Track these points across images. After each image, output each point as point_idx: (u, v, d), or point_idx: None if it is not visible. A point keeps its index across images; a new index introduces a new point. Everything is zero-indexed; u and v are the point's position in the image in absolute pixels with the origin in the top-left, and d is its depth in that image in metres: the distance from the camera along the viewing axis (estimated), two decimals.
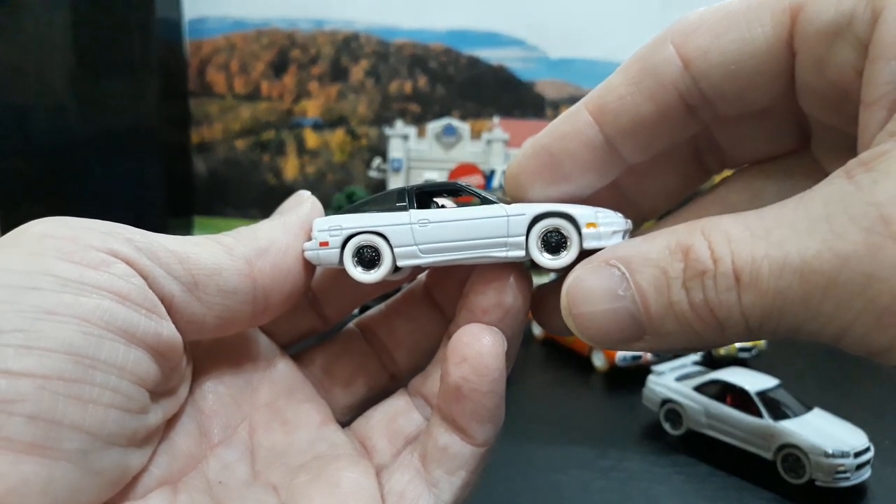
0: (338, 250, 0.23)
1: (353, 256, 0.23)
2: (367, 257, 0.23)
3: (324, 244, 0.23)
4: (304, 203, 0.25)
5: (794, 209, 0.17)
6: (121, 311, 0.19)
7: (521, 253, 0.22)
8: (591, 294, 0.20)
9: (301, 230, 0.24)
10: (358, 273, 0.23)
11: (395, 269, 0.23)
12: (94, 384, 0.18)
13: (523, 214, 0.22)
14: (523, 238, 0.22)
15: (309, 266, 0.24)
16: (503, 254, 0.22)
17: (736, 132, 0.24)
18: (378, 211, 0.23)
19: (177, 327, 0.21)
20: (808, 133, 0.23)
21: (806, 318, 0.17)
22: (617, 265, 0.19)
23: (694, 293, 0.18)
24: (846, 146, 0.20)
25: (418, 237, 0.23)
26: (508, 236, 0.22)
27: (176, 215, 0.94)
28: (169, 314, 0.20)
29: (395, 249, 0.23)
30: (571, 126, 0.22)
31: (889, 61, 0.17)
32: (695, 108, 0.21)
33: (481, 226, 0.22)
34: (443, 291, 0.27)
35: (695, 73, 0.20)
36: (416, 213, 0.23)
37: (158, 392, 0.21)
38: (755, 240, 0.17)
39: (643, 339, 0.19)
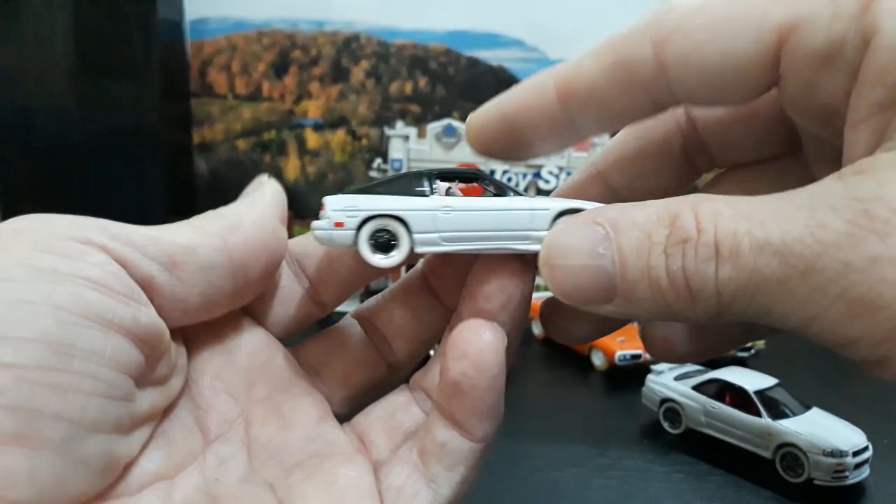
0: (353, 232, 0.22)
1: (370, 240, 0.22)
2: (383, 242, 0.22)
3: (339, 225, 0.22)
4: (264, 185, 0.26)
5: (780, 198, 0.18)
6: (97, 298, 0.19)
7: None
8: (571, 248, 0.19)
9: (269, 208, 0.24)
10: (375, 258, 0.22)
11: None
12: (73, 372, 0.18)
13: (548, 210, 0.22)
14: (546, 233, 0.22)
15: (281, 239, 0.24)
16: (524, 247, 0.22)
17: (723, 136, 0.25)
18: (395, 193, 0.23)
19: (160, 311, 0.21)
20: (797, 137, 0.24)
21: (779, 300, 0.17)
22: (603, 224, 0.19)
23: (672, 260, 0.18)
24: (836, 154, 0.20)
25: (440, 224, 0.22)
26: (531, 230, 0.22)
27: (177, 215, 0.94)
28: (151, 298, 0.21)
29: (415, 235, 0.22)
30: (537, 99, 0.22)
31: (876, 86, 0.17)
32: (664, 106, 0.21)
33: (505, 218, 0.22)
34: (440, 280, 0.27)
35: (671, 78, 0.20)
36: (439, 200, 0.22)
37: (145, 380, 0.21)
38: (739, 217, 0.17)
39: (612, 302, 0.19)
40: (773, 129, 0.24)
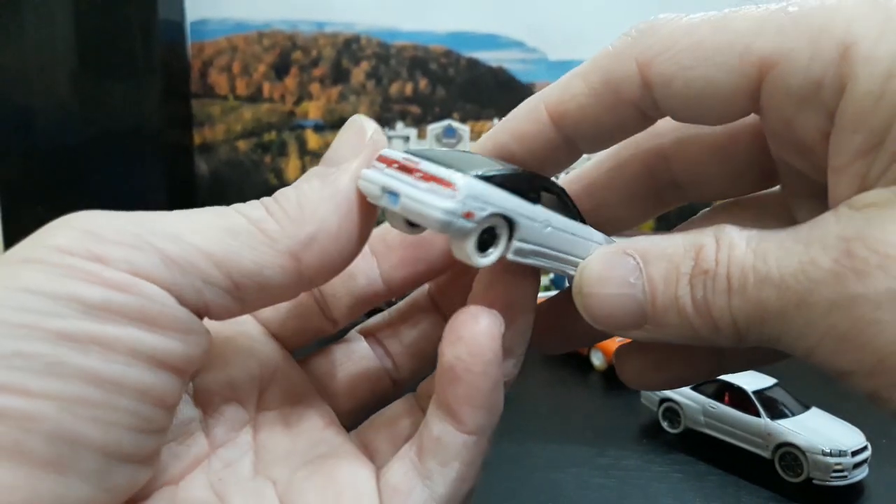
0: (475, 226, 0.19)
1: (479, 237, 0.20)
2: (481, 240, 0.20)
3: (468, 215, 0.19)
4: (363, 151, 0.22)
5: (787, 231, 0.19)
6: (148, 337, 0.18)
7: None
8: (604, 277, 0.21)
9: (356, 194, 0.21)
10: (478, 256, 0.20)
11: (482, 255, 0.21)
12: (117, 408, 0.18)
13: (601, 244, 0.23)
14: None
15: (363, 233, 0.21)
16: (573, 272, 0.22)
17: (697, 175, 0.25)
18: (512, 192, 0.20)
19: (210, 317, 0.21)
20: (770, 173, 0.24)
21: (782, 331, 0.18)
22: (633, 255, 0.20)
23: (696, 290, 0.19)
24: (813, 189, 0.21)
25: (536, 237, 0.21)
26: (584, 258, 0.22)
27: None
28: (204, 315, 0.20)
29: (515, 243, 0.21)
30: (531, 127, 0.22)
31: (855, 133, 0.18)
32: (654, 119, 0.22)
33: (577, 244, 0.22)
34: (447, 299, 0.27)
35: (657, 96, 0.20)
36: (542, 213, 0.21)
37: (177, 402, 0.21)
38: (748, 251, 0.19)
39: (643, 328, 0.20)
40: (746, 168, 0.25)
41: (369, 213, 0.22)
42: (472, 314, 0.21)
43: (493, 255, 0.21)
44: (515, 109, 0.23)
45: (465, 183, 0.19)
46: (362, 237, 0.22)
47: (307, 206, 0.21)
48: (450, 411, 0.22)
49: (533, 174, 0.22)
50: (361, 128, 0.22)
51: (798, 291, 0.17)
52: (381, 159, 0.21)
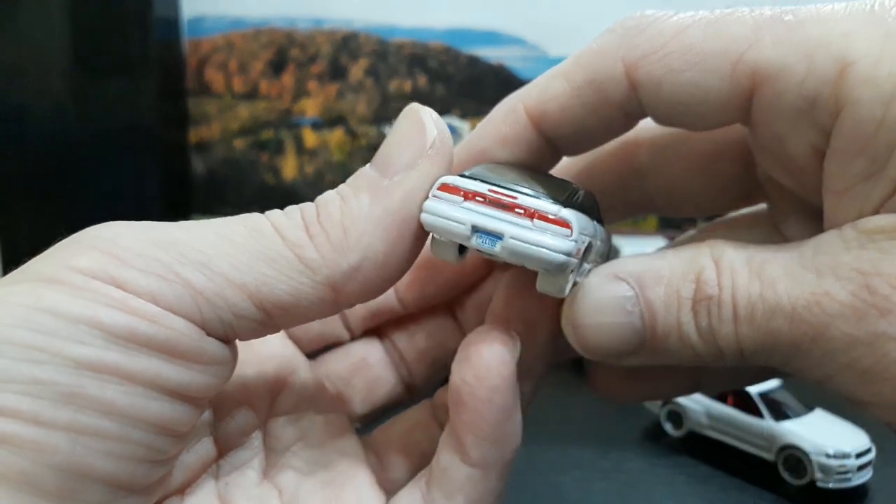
0: (577, 262, 0.18)
1: None
2: None
3: (577, 252, 0.18)
4: (422, 161, 0.19)
5: (789, 253, 0.18)
6: (170, 370, 0.18)
7: None
8: (596, 306, 0.19)
9: (410, 217, 0.19)
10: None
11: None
12: (131, 442, 0.17)
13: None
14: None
15: (410, 260, 0.20)
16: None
17: (671, 191, 0.25)
18: (587, 214, 0.20)
19: (239, 339, 0.20)
20: (747, 193, 0.24)
21: (794, 358, 0.18)
22: (627, 279, 0.19)
23: (700, 317, 0.18)
24: (802, 206, 0.20)
25: (593, 256, 0.20)
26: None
27: (174, 214, 0.93)
28: (233, 340, 0.20)
29: (584, 265, 0.20)
30: (510, 129, 0.21)
31: (857, 157, 0.17)
32: (638, 119, 0.21)
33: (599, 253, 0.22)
34: (464, 309, 0.26)
35: (643, 98, 0.20)
36: (601, 231, 0.20)
37: (190, 433, 0.20)
38: (752, 276, 0.18)
39: (638, 355, 0.19)
40: (723, 190, 0.24)
41: (419, 237, 0.20)
42: (483, 334, 0.20)
43: (572, 282, 0.19)
44: (492, 112, 0.22)
45: (575, 219, 0.18)
46: (409, 264, 0.20)
47: (352, 230, 0.19)
48: (456, 440, 0.21)
49: (589, 191, 0.21)
50: (421, 125, 0.20)
51: (814, 325, 0.17)
52: (448, 189, 0.19)
